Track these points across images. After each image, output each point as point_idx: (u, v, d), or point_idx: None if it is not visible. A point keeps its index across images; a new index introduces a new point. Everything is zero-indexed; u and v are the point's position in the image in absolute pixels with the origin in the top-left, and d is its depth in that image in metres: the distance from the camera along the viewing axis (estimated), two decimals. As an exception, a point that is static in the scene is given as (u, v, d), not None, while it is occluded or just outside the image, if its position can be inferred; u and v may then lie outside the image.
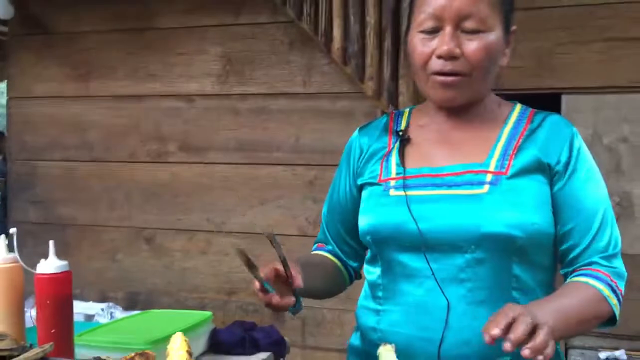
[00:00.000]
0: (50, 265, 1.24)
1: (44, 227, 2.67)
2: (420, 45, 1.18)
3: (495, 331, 0.95)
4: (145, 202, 2.66)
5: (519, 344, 0.94)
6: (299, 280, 1.12)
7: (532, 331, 0.95)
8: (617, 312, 1.16)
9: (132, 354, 0.96)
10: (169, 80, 2.59)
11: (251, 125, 2.50)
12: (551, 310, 1.05)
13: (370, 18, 2.11)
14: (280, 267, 1.11)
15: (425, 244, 1.16)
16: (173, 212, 2.63)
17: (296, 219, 2.46)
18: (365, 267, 1.34)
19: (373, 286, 1.28)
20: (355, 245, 1.38)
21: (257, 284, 1.10)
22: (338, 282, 1.40)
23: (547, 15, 2.13)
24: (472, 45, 1.14)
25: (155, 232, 2.65)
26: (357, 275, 1.43)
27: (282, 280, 1.12)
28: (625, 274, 1.19)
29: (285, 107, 2.45)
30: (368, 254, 1.33)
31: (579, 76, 2.12)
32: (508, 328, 0.96)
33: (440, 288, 1.14)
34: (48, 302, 1.22)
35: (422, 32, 1.17)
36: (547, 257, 1.21)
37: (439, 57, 1.15)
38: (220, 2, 2.47)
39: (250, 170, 2.52)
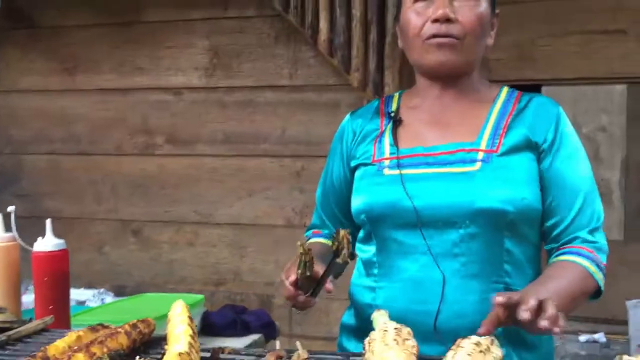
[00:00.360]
0: (48, 243, 1.27)
1: (30, 221, 2.65)
2: (414, 15, 1.23)
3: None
4: (132, 195, 2.67)
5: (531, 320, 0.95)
6: (330, 286, 1.15)
7: (540, 308, 0.96)
8: (602, 286, 1.21)
9: (134, 321, 0.99)
10: (156, 73, 2.61)
11: (238, 118, 2.52)
12: (547, 292, 1.07)
13: (356, 11, 2.16)
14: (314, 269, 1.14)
15: (420, 221, 1.20)
16: (160, 204, 2.64)
17: (283, 209, 2.49)
18: (358, 246, 1.37)
19: (368, 264, 1.32)
20: (351, 227, 1.41)
21: (292, 277, 1.12)
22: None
23: (527, 9, 2.20)
24: (465, 11, 1.20)
25: (143, 224, 2.66)
26: (353, 257, 1.47)
27: (309, 286, 1.15)
28: (607, 246, 1.24)
29: (271, 99, 2.48)
30: (360, 233, 1.36)
31: (558, 68, 2.19)
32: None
33: (436, 262, 1.18)
34: (45, 279, 1.24)
35: (415, 2, 1.22)
36: (535, 233, 1.26)
37: (435, 20, 1.20)
38: (207, -4, 2.50)
39: (237, 162, 2.54)
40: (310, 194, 2.12)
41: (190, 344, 0.85)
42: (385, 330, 0.86)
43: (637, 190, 2.16)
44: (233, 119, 2.53)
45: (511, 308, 0.98)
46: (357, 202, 1.29)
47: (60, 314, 1.22)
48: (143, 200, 2.66)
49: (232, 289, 2.52)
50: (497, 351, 0.83)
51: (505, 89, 1.32)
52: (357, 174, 1.32)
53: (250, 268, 2.55)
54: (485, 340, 0.83)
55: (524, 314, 0.93)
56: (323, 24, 2.20)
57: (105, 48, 2.66)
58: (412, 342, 0.84)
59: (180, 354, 0.78)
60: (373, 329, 0.93)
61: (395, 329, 0.86)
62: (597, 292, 1.21)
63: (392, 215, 1.22)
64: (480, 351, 0.79)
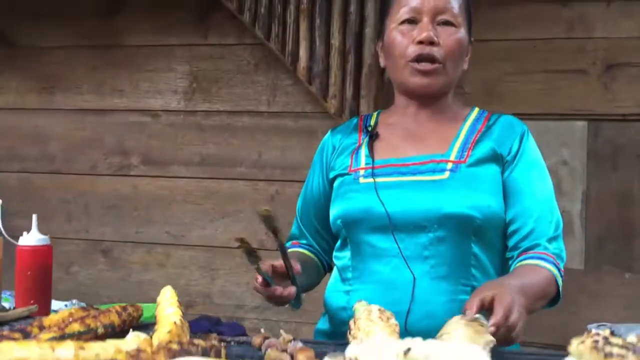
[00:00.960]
0: (32, 238, 1.28)
1: (-3, 238, 2.63)
2: (400, 36, 1.33)
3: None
4: (104, 215, 2.67)
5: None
6: (298, 266, 1.20)
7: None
8: (561, 293, 1.30)
9: (125, 305, 1.01)
10: (135, 96, 2.65)
11: (215, 141, 2.57)
12: (518, 290, 1.13)
13: (335, 41, 2.26)
14: (277, 262, 1.19)
15: (392, 225, 1.27)
16: (132, 225, 2.64)
17: (257, 232, 2.51)
18: (335, 255, 1.44)
19: (343, 269, 1.37)
20: (328, 238, 1.47)
21: (258, 278, 1.17)
22: (317, 275, 1.49)
23: (494, 48, 2.33)
24: (446, 36, 1.31)
25: (113, 244, 2.66)
26: (330, 268, 1.52)
27: (279, 274, 1.20)
28: (565, 255, 1.33)
29: (249, 124, 2.54)
30: (337, 243, 1.42)
31: (522, 104, 2.31)
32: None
33: (407, 264, 1.25)
34: (29, 273, 1.25)
35: (401, 24, 1.32)
36: (500, 241, 1.34)
37: (420, 42, 1.29)
38: (189, 23, 2.57)
39: (212, 185, 2.58)
40: (283, 218, 2.15)
41: (181, 322, 0.88)
42: (370, 310, 0.90)
43: (597, 221, 2.27)
44: (210, 142, 2.58)
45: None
46: (335, 208, 1.36)
47: (41, 308, 1.23)
48: (115, 220, 2.65)
49: (202, 311, 2.51)
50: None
51: (476, 109, 1.43)
52: (335, 184, 1.40)
53: (221, 290, 2.56)
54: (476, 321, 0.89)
55: (491, 328, 0.98)
56: (303, 53, 2.30)
57: (85, 69, 2.69)
58: (394, 321, 0.89)
59: (175, 322, 0.80)
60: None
61: (379, 309, 0.91)
62: (555, 298, 1.29)
63: (366, 220, 1.30)
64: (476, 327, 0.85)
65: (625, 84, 2.23)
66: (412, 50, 1.31)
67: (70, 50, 2.70)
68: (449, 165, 1.31)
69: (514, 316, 1.00)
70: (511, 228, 1.32)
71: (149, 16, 2.60)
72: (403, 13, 1.32)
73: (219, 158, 2.57)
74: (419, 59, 1.30)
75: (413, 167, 1.33)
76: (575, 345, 0.68)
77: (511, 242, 1.33)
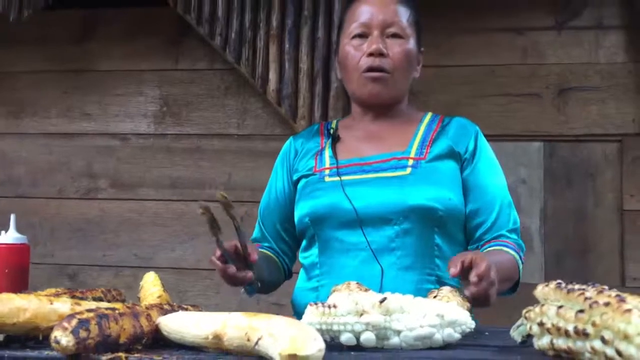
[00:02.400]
0: (10, 236, 1.29)
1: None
2: (352, 49, 1.42)
3: (453, 270, 1.08)
4: (70, 239, 2.65)
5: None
6: (255, 255, 1.24)
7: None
8: (520, 280, 1.38)
9: (109, 288, 1.03)
10: (104, 119, 2.67)
11: (185, 164, 2.60)
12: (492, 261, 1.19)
13: (304, 64, 2.35)
14: (239, 244, 1.22)
15: (360, 220, 1.33)
16: (99, 248, 2.63)
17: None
18: (301, 255, 1.48)
19: (310, 267, 1.42)
20: (290, 242, 1.52)
21: (217, 252, 1.20)
22: (279, 275, 1.53)
23: (454, 73, 2.46)
24: (395, 48, 1.40)
25: (79, 268, 2.63)
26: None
27: (240, 259, 1.23)
28: (524, 247, 1.42)
29: (219, 147, 2.59)
30: (303, 243, 1.47)
31: (481, 126, 2.37)
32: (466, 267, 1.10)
33: (376, 257, 1.30)
34: (6, 271, 1.26)
35: (353, 38, 1.42)
36: (461, 233, 1.42)
37: (370, 54, 1.39)
38: (160, 49, 2.63)
39: (181, 207, 2.60)
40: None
41: (167, 300, 0.91)
42: (349, 283, 0.95)
43: (555, 237, 2.37)
44: (179, 164, 2.61)
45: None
46: (302, 207, 1.41)
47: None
48: (81, 244, 2.63)
49: (170, 333, 2.49)
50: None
51: (429, 113, 1.53)
52: (300, 185, 1.45)
53: (189, 313, 2.54)
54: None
55: (473, 278, 1.05)
56: (272, 76, 2.37)
57: (54, 94, 2.71)
58: (372, 292, 0.94)
59: (164, 291, 0.84)
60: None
61: (357, 283, 0.96)
62: (515, 285, 1.37)
63: (334, 216, 1.35)
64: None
65: (576, 106, 2.38)
66: (364, 62, 1.40)
67: (40, 75, 2.71)
68: (410, 162, 1.39)
69: (493, 273, 1.06)
70: (474, 221, 1.40)
71: (120, 42, 2.65)
72: (354, 28, 1.42)
73: (188, 180, 2.60)
74: (369, 70, 1.40)
75: (376, 165, 1.41)
76: (540, 288, 0.74)
77: (475, 235, 1.40)
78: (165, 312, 0.73)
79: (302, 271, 1.47)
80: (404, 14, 1.43)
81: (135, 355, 0.67)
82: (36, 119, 2.71)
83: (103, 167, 2.65)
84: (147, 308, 0.72)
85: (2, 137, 2.74)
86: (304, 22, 2.35)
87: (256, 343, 0.64)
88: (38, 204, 2.68)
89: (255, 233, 1.55)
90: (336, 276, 1.35)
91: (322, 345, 0.59)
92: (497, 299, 1.38)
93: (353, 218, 1.33)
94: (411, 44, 1.44)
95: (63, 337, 0.63)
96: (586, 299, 0.64)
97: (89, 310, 0.68)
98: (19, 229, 2.65)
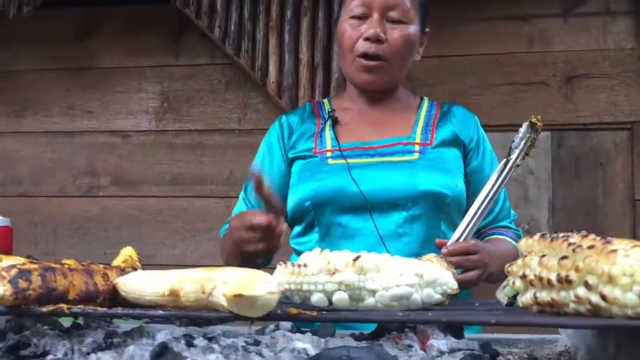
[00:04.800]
0: (-9, 218, 1.26)
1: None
2: (349, 29, 1.36)
3: (444, 250, 1.06)
4: (71, 237, 2.62)
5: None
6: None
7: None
8: None
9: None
10: (105, 117, 2.65)
11: (186, 160, 2.57)
12: (493, 258, 1.18)
13: (304, 55, 2.31)
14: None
15: (369, 204, 1.28)
16: (101, 246, 2.60)
17: (227, 249, 2.50)
18: (297, 240, 1.41)
19: None
20: None
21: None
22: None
23: (459, 62, 2.40)
24: (395, 33, 1.34)
25: (81, 267, 2.60)
26: (270, 259, 1.44)
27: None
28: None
29: (220, 142, 2.55)
30: (297, 229, 1.39)
31: (487, 116, 2.35)
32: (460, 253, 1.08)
33: (384, 243, 1.25)
34: (-13, 252, 1.22)
35: (352, 17, 1.36)
36: (460, 220, 1.37)
37: (367, 39, 1.33)
38: (161, 45, 2.61)
39: (183, 203, 2.56)
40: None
41: (138, 262, 0.87)
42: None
43: (564, 229, 2.28)
44: (181, 160, 2.58)
45: None
46: (302, 190, 1.34)
47: None
48: (83, 242, 2.61)
49: (171, 331, 2.45)
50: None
51: (426, 98, 1.48)
52: (297, 166, 1.38)
53: (191, 311, 2.50)
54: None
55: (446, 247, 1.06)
56: (272, 68, 2.34)
57: (56, 92, 2.70)
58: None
59: (130, 255, 0.79)
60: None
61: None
62: None
63: (339, 200, 1.29)
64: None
65: (584, 94, 2.31)
66: (360, 45, 1.34)
67: (41, 74, 2.71)
68: (417, 147, 1.35)
69: (480, 255, 1.04)
70: None
71: (121, 39, 2.63)
72: (354, 6, 1.36)
73: (190, 176, 2.56)
74: (365, 56, 1.34)
75: (381, 150, 1.35)
76: (523, 241, 0.69)
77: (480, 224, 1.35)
78: (126, 274, 0.69)
79: (295, 258, 1.41)
80: None
81: (78, 306, 0.63)
82: (38, 118, 2.70)
83: (104, 164, 2.63)
84: (105, 268, 0.68)
85: (4, 136, 2.73)
86: (304, 13, 2.32)
87: (210, 293, 0.60)
88: (40, 203, 2.66)
89: (238, 210, 1.45)
90: None
91: (274, 288, 0.55)
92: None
93: (359, 202, 1.27)
94: (413, 28, 1.37)
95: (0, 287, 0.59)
96: (570, 244, 0.59)
97: (33, 263, 0.64)
98: (20, 228, 2.65)
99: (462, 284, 1.10)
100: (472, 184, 1.37)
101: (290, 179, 1.40)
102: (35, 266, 0.63)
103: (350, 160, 1.33)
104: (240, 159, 2.53)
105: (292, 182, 1.39)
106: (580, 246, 0.58)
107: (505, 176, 1.17)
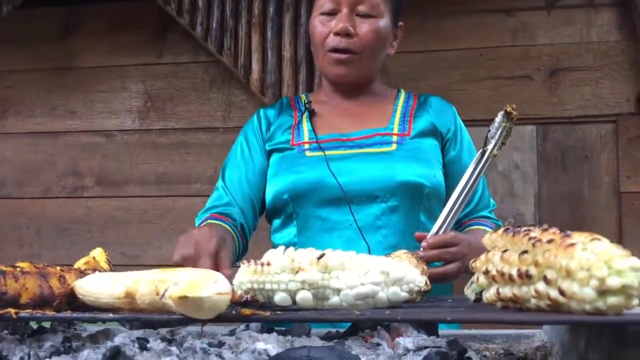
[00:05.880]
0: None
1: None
2: (320, 25, 1.36)
3: (424, 243, 1.06)
4: (56, 239, 2.60)
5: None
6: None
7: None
8: None
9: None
10: (89, 116, 2.63)
11: (170, 159, 2.55)
12: (473, 249, 1.17)
13: (287, 52, 2.29)
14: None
15: (346, 197, 1.26)
16: (86, 247, 2.54)
17: (213, 248, 2.48)
18: (274, 236, 1.39)
19: (286, 247, 1.34)
20: (257, 212, 1.39)
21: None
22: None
23: (443, 57, 2.39)
24: (364, 27, 1.34)
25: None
26: (246, 248, 1.41)
27: None
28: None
29: (205, 140, 2.54)
30: (276, 222, 1.37)
31: (472, 110, 2.35)
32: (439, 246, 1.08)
33: (362, 235, 1.23)
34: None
35: (322, 14, 1.35)
36: (439, 210, 1.36)
37: (336, 34, 1.32)
38: (143, 43, 2.59)
39: (168, 203, 2.54)
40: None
41: (106, 264, 0.85)
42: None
43: (550, 222, 2.26)
44: (165, 160, 2.56)
45: None
46: (280, 183, 1.32)
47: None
48: (68, 243, 2.59)
49: (157, 331, 2.44)
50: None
51: (403, 91, 1.47)
52: (274, 158, 1.36)
53: (178, 311, 2.48)
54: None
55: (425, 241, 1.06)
56: (255, 65, 2.32)
57: (38, 92, 2.67)
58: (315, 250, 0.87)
59: (94, 257, 0.78)
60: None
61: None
62: None
63: (317, 193, 1.28)
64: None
65: (569, 87, 2.30)
66: (330, 40, 1.34)
67: (23, 74, 2.68)
68: (394, 138, 1.34)
69: (460, 247, 1.03)
70: None
71: (102, 37, 2.61)
72: (324, 2, 1.36)
73: (175, 176, 2.55)
74: (335, 50, 1.33)
75: (359, 141, 1.35)
76: (487, 236, 0.68)
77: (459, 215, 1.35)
78: (85, 276, 0.67)
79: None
80: None
81: (26, 311, 0.61)
82: (20, 118, 2.68)
83: (88, 164, 2.61)
84: (62, 270, 0.66)
85: (-13, 137, 2.70)
86: (286, 10, 2.30)
87: (163, 295, 0.58)
88: (24, 205, 2.64)
89: (217, 197, 1.40)
90: None
91: (224, 289, 0.53)
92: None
93: (338, 195, 1.26)
94: (383, 22, 1.36)
95: (-55, 291, 0.57)
96: (530, 238, 0.58)
97: (-16, 266, 0.62)
98: (5, 230, 2.63)
99: (442, 276, 1.10)
100: (451, 174, 1.36)
101: (268, 171, 1.38)
102: (-16, 270, 0.61)
103: (328, 152, 1.32)
104: (225, 158, 2.51)
105: (270, 175, 1.37)
106: (540, 240, 0.57)
107: (483, 166, 1.16)
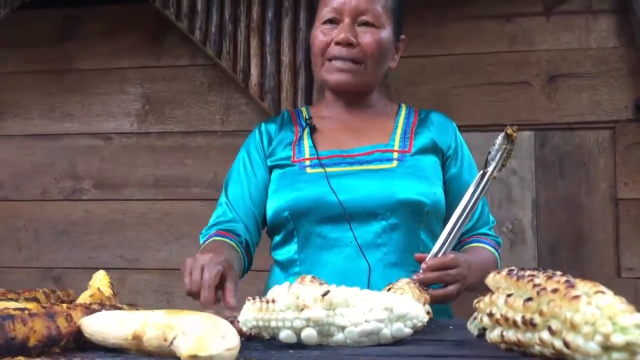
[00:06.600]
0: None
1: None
2: (321, 35, 1.36)
3: (423, 265, 1.07)
4: (55, 242, 2.60)
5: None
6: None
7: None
8: None
9: (54, 289, 0.98)
10: (87, 119, 2.62)
11: (169, 162, 2.55)
12: (472, 268, 1.19)
13: (286, 57, 2.29)
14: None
15: (347, 214, 1.27)
16: (84, 250, 2.58)
17: (212, 252, 2.48)
18: (274, 253, 1.40)
19: (288, 263, 1.35)
20: (259, 228, 1.40)
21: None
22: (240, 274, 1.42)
23: (441, 62, 2.39)
24: (366, 38, 1.34)
25: (65, 271, 2.58)
26: (248, 268, 1.43)
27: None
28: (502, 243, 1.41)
29: (203, 144, 2.53)
30: (276, 238, 1.38)
31: (471, 115, 2.36)
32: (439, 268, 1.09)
33: (363, 253, 1.24)
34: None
35: (324, 24, 1.36)
36: (440, 228, 1.37)
37: (337, 43, 1.33)
38: (141, 46, 2.58)
39: (166, 206, 2.54)
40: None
41: (110, 294, 0.86)
42: (304, 277, 0.89)
43: (548, 228, 2.30)
44: (164, 163, 2.56)
45: None
46: (280, 199, 1.33)
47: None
48: (67, 246, 2.59)
49: (156, 335, 2.44)
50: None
51: (404, 105, 1.48)
52: (276, 175, 1.37)
53: (176, 314, 2.49)
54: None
55: (424, 262, 1.07)
56: (254, 69, 2.32)
57: (36, 95, 2.66)
58: (327, 285, 0.88)
59: (98, 288, 0.78)
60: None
61: (312, 277, 0.90)
62: None
63: (317, 210, 1.28)
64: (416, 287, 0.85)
65: (567, 93, 2.31)
66: (331, 49, 1.35)
67: (20, 76, 2.67)
68: (395, 155, 1.34)
69: (460, 269, 1.04)
70: None
71: (101, 40, 2.60)
72: (326, 13, 1.36)
73: (173, 179, 2.55)
74: (336, 58, 1.33)
75: (359, 158, 1.35)
76: (491, 276, 0.69)
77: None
78: (91, 312, 0.68)
79: (276, 268, 1.40)
80: (379, 1, 1.36)
81: (38, 359, 0.62)
82: (18, 120, 2.67)
83: (87, 167, 2.61)
84: (68, 308, 0.67)
85: (-16, 139, 2.69)
86: (285, 14, 2.29)
87: (171, 343, 0.59)
88: (22, 207, 2.64)
89: (221, 214, 1.41)
90: (318, 273, 1.28)
91: (232, 344, 0.54)
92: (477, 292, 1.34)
93: (338, 212, 1.26)
94: (385, 33, 1.37)
95: (-42, 341, 0.58)
96: (535, 285, 0.59)
97: (-8, 304, 0.63)
98: (3, 233, 2.63)
99: (443, 298, 1.11)
100: (451, 191, 1.37)
101: (269, 187, 1.39)
102: (-6, 316, 0.61)
103: (328, 169, 1.32)
104: (224, 161, 2.50)
105: (271, 191, 1.37)
106: (544, 289, 0.58)
107: (483, 188, 1.17)
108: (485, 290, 1.33)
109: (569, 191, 2.29)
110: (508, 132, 1.10)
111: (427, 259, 1.13)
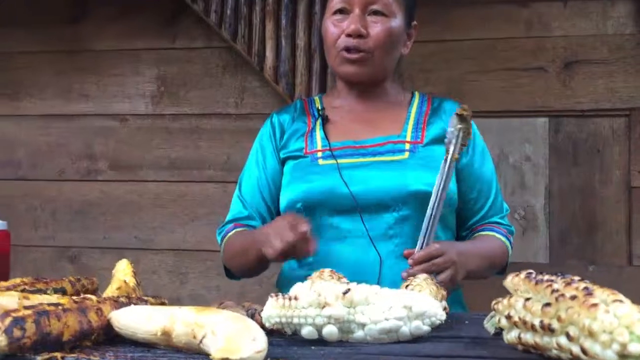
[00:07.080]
0: (-11, 222, 1.27)
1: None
2: (332, 26, 1.36)
3: (410, 261, 1.09)
4: (71, 221, 2.64)
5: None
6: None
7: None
8: (508, 263, 1.37)
9: (78, 277, 1.00)
10: (102, 100, 2.64)
11: (183, 144, 2.57)
12: (469, 255, 1.20)
13: (301, 41, 2.29)
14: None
15: (359, 205, 1.28)
16: (100, 230, 2.62)
17: (225, 234, 2.51)
18: None
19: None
20: (275, 217, 1.43)
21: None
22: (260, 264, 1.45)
23: (456, 48, 2.38)
24: (376, 27, 1.34)
25: (80, 251, 2.63)
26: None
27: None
28: (514, 231, 1.42)
29: (217, 126, 2.55)
30: None
31: (485, 102, 2.35)
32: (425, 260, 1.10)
33: (374, 244, 1.26)
34: (-16, 258, 1.23)
35: (334, 14, 1.36)
36: (453, 219, 1.39)
37: (348, 35, 1.33)
38: (156, 27, 2.58)
39: (181, 188, 2.57)
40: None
41: (134, 285, 0.88)
42: (323, 271, 0.91)
43: (560, 215, 2.31)
44: (178, 145, 2.58)
45: None
46: (293, 191, 1.35)
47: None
48: (82, 226, 2.63)
49: (170, 314, 2.49)
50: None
51: (417, 93, 1.48)
52: (288, 166, 1.39)
53: (191, 295, 2.53)
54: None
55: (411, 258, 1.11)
56: (269, 53, 2.32)
57: (51, 75, 2.68)
58: (346, 280, 0.90)
59: (125, 281, 0.81)
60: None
61: (331, 270, 0.92)
62: (504, 268, 1.36)
63: (329, 201, 1.30)
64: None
65: (583, 80, 2.29)
66: (342, 41, 1.35)
67: (35, 56, 2.69)
68: (407, 146, 1.35)
69: (446, 256, 1.07)
70: (472, 209, 1.37)
71: (115, 21, 2.60)
72: (336, 3, 1.37)
73: (187, 161, 2.57)
74: (347, 50, 1.34)
75: (372, 149, 1.36)
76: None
77: (469, 221, 1.37)
78: (120, 306, 0.70)
79: (287, 263, 1.43)
80: None
81: (72, 355, 0.64)
82: (33, 101, 2.69)
83: (102, 148, 2.63)
84: (98, 302, 0.69)
85: (1, 119, 2.72)
86: (300, -2, 2.29)
87: (200, 341, 0.61)
88: (39, 187, 2.67)
89: (237, 211, 1.45)
90: (331, 265, 1.30)
91: (261, 347, 0.56)
92: (491, 281, 1.36)
93: (350, 204, 1.29)
94: (396, 21, 1.37)
95: (-5, 337, 0.60)
96: (553, 291, 0.60)
97: (27, 307, 0.65)
98: (20, 212, 2.67)
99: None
100: (463, 181, 1.38)
101: (282, 178, 1.41)
102: (29, 312, 0.64)
103: (340, 161, 1.34)
104: (238, 144, 2.53)
105: (284, 183, 1.40)
106: (562, 295, 0.59)
107: (448, 173, 1.19)
108: (492, 275, 1.35)
109: (583, 178, 2.29)
110: (458, 112, 1.13)
111: (413, 254, 1.15)
